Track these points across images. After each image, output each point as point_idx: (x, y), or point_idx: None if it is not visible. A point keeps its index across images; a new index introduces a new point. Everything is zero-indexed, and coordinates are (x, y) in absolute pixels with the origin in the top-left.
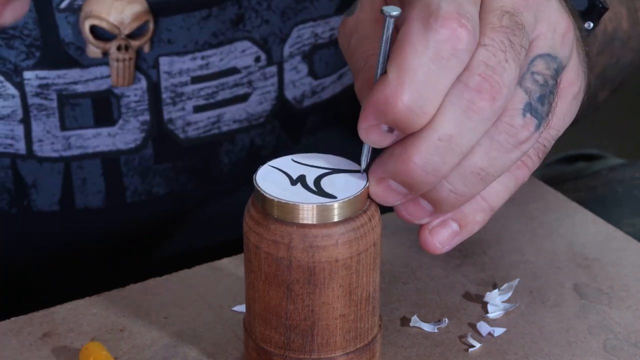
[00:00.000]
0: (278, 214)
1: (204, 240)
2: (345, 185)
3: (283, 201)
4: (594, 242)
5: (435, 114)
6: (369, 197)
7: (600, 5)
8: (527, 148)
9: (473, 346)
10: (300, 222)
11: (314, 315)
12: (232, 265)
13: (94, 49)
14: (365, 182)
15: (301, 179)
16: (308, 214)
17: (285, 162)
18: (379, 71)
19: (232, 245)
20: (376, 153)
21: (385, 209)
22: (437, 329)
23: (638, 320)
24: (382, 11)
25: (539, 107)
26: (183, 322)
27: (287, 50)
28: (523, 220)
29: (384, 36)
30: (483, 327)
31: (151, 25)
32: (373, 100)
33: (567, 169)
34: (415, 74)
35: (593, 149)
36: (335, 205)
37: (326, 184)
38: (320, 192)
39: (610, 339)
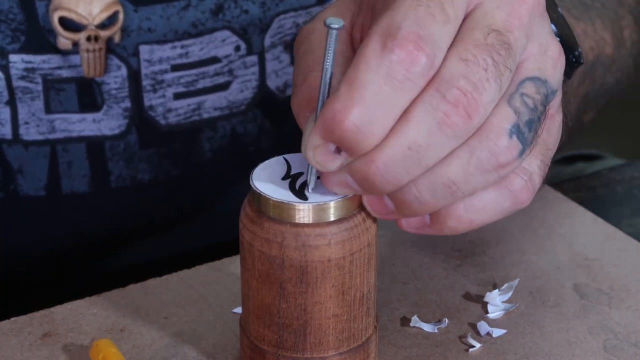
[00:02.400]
0: (273, 213)
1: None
2: None
3: (277, 200)
4: (594, 242)
5: (405, 122)
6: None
7: (574, 60)
8: (504, 173)
9: (473, 346)
10: (294, 221)
11: (307, 315)
12: (232, 265)
13: (63, 40)
14: None
15: (296, 178)
16: (301, 214)
17: (281, 161)
18: (321, 86)
19: (232, 245)
20: None
21: None
22: (437, 329)
23: (638, 320)
24: (324, 22)
25: (526, 131)
26: (183, 322)
27: (268, 40)
28: (523, 220)
29: (328, 49)
30: (483, 327)
31: (121, 16)
32: (321, 117)
33: (567, 169)
34: (366, 91)
35: (592, 149)
36: (330, 205)
37: (319, 182)
38: (319, 190)
39: (611, 339)
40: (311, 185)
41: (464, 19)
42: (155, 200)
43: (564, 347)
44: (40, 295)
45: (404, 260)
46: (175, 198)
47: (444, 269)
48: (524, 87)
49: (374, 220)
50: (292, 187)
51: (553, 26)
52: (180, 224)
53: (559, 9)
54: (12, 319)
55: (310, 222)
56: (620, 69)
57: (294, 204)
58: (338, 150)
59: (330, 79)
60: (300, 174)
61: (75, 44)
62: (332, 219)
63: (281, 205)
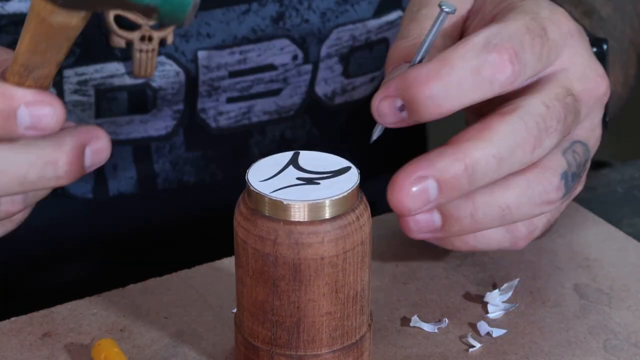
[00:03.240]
0: (266, 211)
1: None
2: (333, 184)
3: (271, 198)
4: (594, 242)
5: (494, 132)
6: (357, 195)
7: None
8: (546, 210)
9: (473, 346)
10: (287, 218)
11: (300, 312)
12: (232, 265)
13: (117, 39)
14: (353, 182)
15: (292, 175)
16: (294, 211)
17: (279, 159)
18: (417, 57)
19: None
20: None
21: (385, 210)
22: (437, 329)
23: (638, 320)
24: (439, 4)
25: (570, 181)
26: (183, 322)
27: (324, 51)
28: None
29: (434, 28)
30: (483, 327)
31: None
32: (404, 73)
33: None
34: (453, 71)
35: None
36: (325, 203)
37: (317, 180)
38: (308, 189)
39: (611, 339)
40: (374, 137)
41: (549, 75)
42: (201, 202)
43: (564, 347)
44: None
45: (404, 260)
46: (220, 201)
47: (444, 269)
48: (575, 147)
49: (368, 218)
50: (287, 185)
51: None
52: (223, 227)
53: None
54: (12, 319)
55: (304, 219)
56: (620, 104)
57: (287, 201)
58: (401, 109)
59: (424, 55)
60: (294, 172)
61: (129, 43)
62: (326, 217)
63: (274, 203)
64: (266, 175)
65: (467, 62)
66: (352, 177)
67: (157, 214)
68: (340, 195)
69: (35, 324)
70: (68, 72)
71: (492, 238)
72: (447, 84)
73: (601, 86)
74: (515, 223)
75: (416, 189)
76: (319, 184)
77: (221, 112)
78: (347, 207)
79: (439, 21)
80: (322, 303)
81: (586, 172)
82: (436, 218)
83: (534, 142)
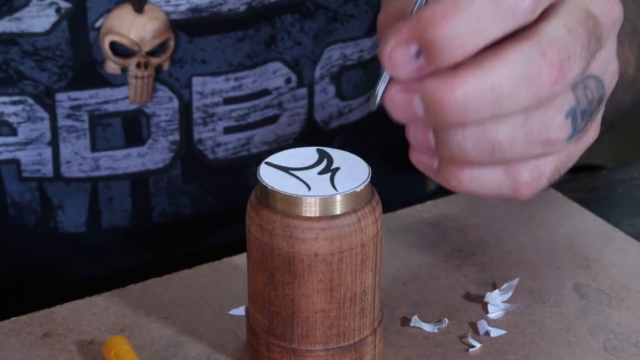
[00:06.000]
0: (268, 201)
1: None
2: (343, 183)
3: (271, 188)
4: (594, 242)
5: (498, 61)
6: (363, 197)
7: None
8: (549, 151)
9: (473, 346)
10: (284, 211)
11: (294, 306)
12: (232, 265)
13: (113, 65)
14: (357, 184)
15: (305, 169)
16: (290, 205)
17: (302, 152)
18: (417, 3)
19: (233, 245)
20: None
21: (384, 211)
22: (438, 329)
23: (638, 320)
24: None
25: (579, 119)
26: (183, 322)
27: (318, 72)
28: (523, 220)
29: None
30: (483, 327)
31: (172, 43)
32: (417, 15)
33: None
34: (472, 3)
35: (598, 159)
36: (318, 200)
37: (324, 178)
38: (315, 185)
39: (611, 339)
40: (378, 97)
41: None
42: (196, 234)
43: (564, 347)
44: (40, 295)
45: (404, 260)
46: (215, 235)
47: (444, 269)
48: (588, 81)
49: (374, 222)
50: (292, 178)
51: None
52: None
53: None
54: (12, 319)
55: (301, 214)
56: (638, 90)
57: (285, 193)
58: (417, 54)
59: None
60: (308, 167)
61: (124, 70)
62: (323, 214)
63: (274, 194)
64: (279, 166)
65: None
66: (360, 178)
67: (149, 245)
68: (338, 195)
69: (35, 324)
70: (61, 96)
71: (489, 180)
72: (468, 18)
73: (615, 9)
74: (515, 165)
75: (402, 106)
76: (329, 181)
77: (219, 144)
78: (348, 207)
79: None
80: (316, 300)
81: (601, 113)
82: (431, 138)
83: (556, 74)
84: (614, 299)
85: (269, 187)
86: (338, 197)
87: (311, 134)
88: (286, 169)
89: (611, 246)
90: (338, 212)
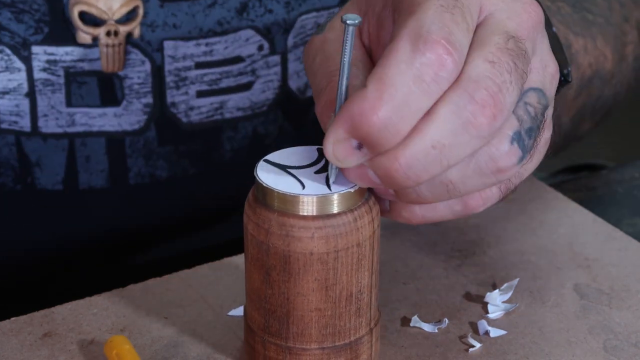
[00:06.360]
0: (265, 200)
1: (208, 236)
2: (339, 182)
3: (268, 187)
4: (594, 242)
5: (430, 121)
6: (359, 197)
7: (563, 79)
8: (503, 178)
9: (473, 346)
10: (280, 210)
11: (289, 304)
12: (232, 265)
13: (83, 35)
14: (352, 184)
15: (302, 168)
16: (286, 203)
17: (295, 151)
18: (340, 84)
19: (233, 245)
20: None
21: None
22: (438, 329)
23: (638, 320)
24: (342, 19)
25: (527, 139)
26: (183, 322)
27: (291, 41)
28: (523, 220)
29: (345, 46)
30: (483, 327)
31: (140, 11)
32: (348, 112)
33: (570, 177)
34: (396, 91)
35: (598, 159)
36: (315, 199)
37: (322, 177)
38: (313, 185)
39: (611, 339)
40: (332, 178)
41: (478, 27)
42: (173, 198)
43: (564, 347)
44: (40, 295)
45: (404, 260)
46: (193, 197)
47: (444, 269)
48: (527, 97)
49: (370, 222)
50: (289, 177)
51: None
52: (197, 223)
53: (554, 28)
54: (12, 319)
55: (297, 213)
56: (620, 83)
57: (281, 192)
58: (359, 146)
59: (348, 76)
60: (305, 166)
61: (95, 39)
62: (319, 213)
63: (270, 192)
64: (281, 164)
65: (405, 74)
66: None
67: (127, 207)
68: (334, 194)
69: (35, 324)
70: (37, 49)
71: (439, 205)
72: (396, 105)
73: (533, 14)
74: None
75: (358, 178)
76: (325, 180)
77: (192, 107)
78: (345, 206)
79: (348, 37)
80: (311, 298)
81: (548, 119)
82: (373, 176)
83: (491, 110)
84: (614, 299)
85: (266, 186)
86: (334, 197)
87: (286, 101)
88: (284, 167)
89: (611, 246)
90: (334, 211)
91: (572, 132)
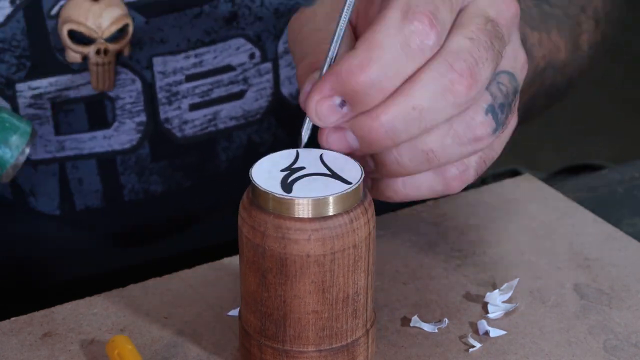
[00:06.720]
0: (260, 202)
1: (205, 237)
2: (334, 184)
3: (263, 190)
4: (594, 242)
5: (413, 84)
6: (355, 198)
7: None
8: (479, 147)
9: (473, 346)
10: (277, 212)
11: (286, 307)
12: (232, 265)
13: (73, 54)
14: (348, 185)
15: (294, 172)
16: (282, 206)
17: (289, 154)
18: (335, 47)
19: (232, 245)
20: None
21: (382, 211)
22: (438, 329)
23: (638, 320)
24: None
25: (499, 113)
26: (183, 322)
27: (281, 47)
28: (523, 220)
29: (343, 14)
30: (483, 327)
31: (130, 29)
32: (335, 70)
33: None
34: (384, 52)
35: (598, 159)
36: (311, 201)
37: (317, 179)
38: (309, 187)
39: (611, 339)
40: (304, 140)
41: (461, 11)
42: (169, 210)
43: (564, 347)
44: (40, 295)
45: (404, 260)
46: (188, 208)
47: (444, 269)
48: (500, 77)
49: (366, 223)
50: (284, 180)
51: None
52: (190, 229)
53: None
54: (12, 319)
55: (293, 215)
56: (573, 69)
57: (277, 195)
58: (341, 104)
59: (341, 40)
60: (300, 168)
61: (85, 58)
62: (315, 215)
63: (266, 195)
64: (274, 167)
65: (394, 38)
66: (352, 180)
67: (124, 223)
68: (331, 196)
69: (35, 324)
70: (21, 86)
71: (422, 183)
72: (383, 66)
73: (512, 7)
74: (444, 166)
75: (336, 141)
76: (321, 182)
77: (186, 121)
78: (340, 208)
79: (348, 7)
80: (308, 301)
81: (517, 102)
82: (370, 162)
83: (468, 80)
84: (614, 299)
85: (261, 188)
86: (330, 199)
87: (279, 108)
88: (279, 170)
89: (611, 246)
90: (330, 213)
91: (524, 114)
